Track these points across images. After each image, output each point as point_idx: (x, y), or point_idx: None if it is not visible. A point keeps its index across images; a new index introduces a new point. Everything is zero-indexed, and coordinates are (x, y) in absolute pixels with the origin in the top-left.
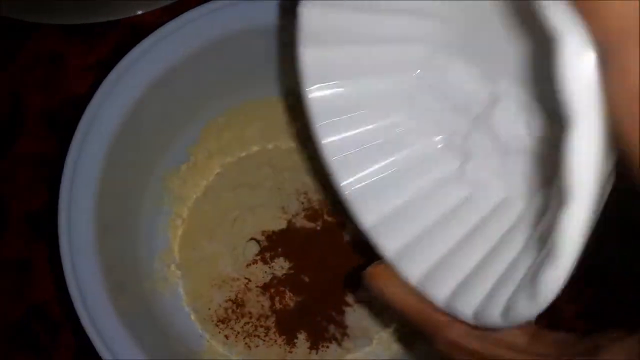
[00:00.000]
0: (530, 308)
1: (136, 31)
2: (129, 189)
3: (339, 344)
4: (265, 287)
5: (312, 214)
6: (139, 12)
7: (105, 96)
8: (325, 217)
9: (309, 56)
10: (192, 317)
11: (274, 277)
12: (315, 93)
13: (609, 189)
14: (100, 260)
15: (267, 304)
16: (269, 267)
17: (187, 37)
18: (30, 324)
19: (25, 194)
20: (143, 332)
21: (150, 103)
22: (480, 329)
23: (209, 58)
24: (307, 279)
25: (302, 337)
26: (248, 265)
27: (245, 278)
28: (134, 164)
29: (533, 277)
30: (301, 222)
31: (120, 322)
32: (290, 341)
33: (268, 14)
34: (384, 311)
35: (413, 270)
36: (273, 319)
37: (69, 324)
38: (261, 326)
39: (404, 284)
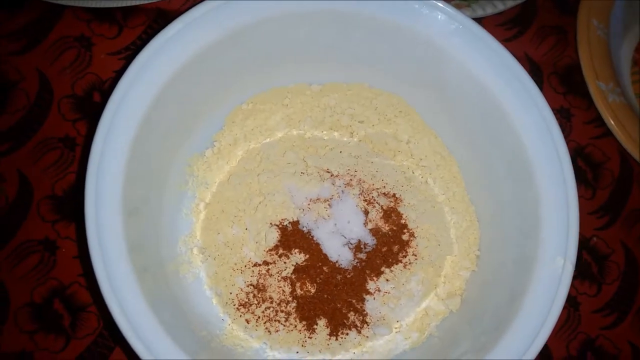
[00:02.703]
0: None
1: (163, 16)
2: (154, 173)
3: (359, 331)
4: (286, 274)
5: None
6: None
7: (132, 81)
8: None
9: None
10: (214, 300)
11: (296, 265)
12: None
13: None
14: (125, 242)
15: (288, 289)
16: (290, 254)
17: (214, 23)
18: (53, 305)
19: (52, 177)
20: (166, 314)
21: (176, 88)
22: None
23: (235, 44)
24: (326, 269)
25: (322, 323)
26: (269, 250)
27: (267, 263)
28: (159, 149)
29: None
30: None
31: (145, 303)
32: (311, 327)
33: (292, 1)
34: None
35: None
36: (294, 304)
37: (92, 306)
38: (282, 311)
39: None
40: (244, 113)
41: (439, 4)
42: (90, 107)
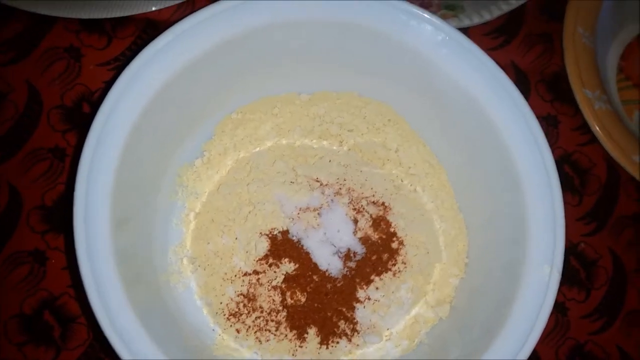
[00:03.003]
0: None
1: (152, 27)
2: (144, 184)
3: (349, 340)
4: (276, 283)
5: None
6: (154, 9)
7: (122, 91)
8: None
9: None
10: (205, 310)
11: (286, 274)
12: None
13: None
14: (115, 253)
15: (278, 298)
16: (280, 263)
17: (203, 34)
18: (43, 316)
19: (41, 188)
20: (156, 325)
21: (166, 99)
22: None
23: (224, 55)
24: (316, 278)
25: (312, 332)
26: (259, 260)
27: (257, 272)
28: (149, 159)
29: None
30: None
31: (134, 314)
32: (301, 336)
33: (282, 11)
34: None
35: None
36: (284, 313)
37: (82, 317)
38: (272, 320)
39: None
40: (233, 122)
41: (426, 15)
42: (80, 118)
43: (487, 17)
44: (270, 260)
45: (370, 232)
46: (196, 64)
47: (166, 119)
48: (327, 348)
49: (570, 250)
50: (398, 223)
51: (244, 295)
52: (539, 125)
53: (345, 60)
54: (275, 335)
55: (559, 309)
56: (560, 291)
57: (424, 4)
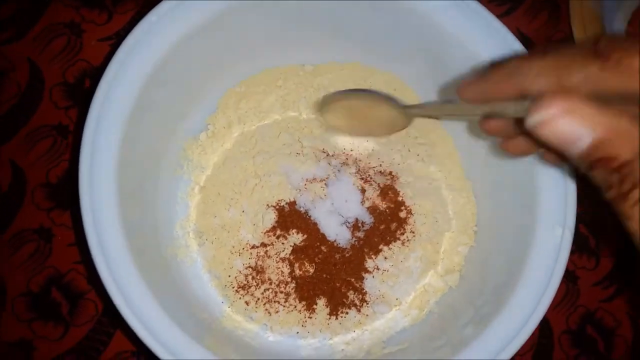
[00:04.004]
0: None
1: (153, 2)
2: (148, 158)
3: (358, 310)
4: (284, 255)
5: None
6: None
7: (121, 64)
8: None
9: None
10: (213, 283)
11: (294, 245)
12: None
13: None
14: (122, 227)
15: (286, 270)
16: (288, 235)
17: (203, 4)
18: (51, 293)
19: (45, 165)
20: (167, 297)
21: (167, 71)
22: None
23: (226, 24)
24: (325, 249)
25: (321, 302)
26: (266, 232)
27: (265, 245)
28: (153, 133)
29: None
30: None
31: (146, 288)
32: (310, 307)
33: None
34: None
35: None
36: (293, 285)
37: (89, 293)
38: (281, 292)
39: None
40: (237, 95)
41: None
42: (82, 94)
43: None
44: (278, 232)
45: (378, 201)
46: (196, 35)
47: (168, 92)
48: (337, 319)
49: (579, 218)
50: (406, 192)
51: (252, 268)
52: None
53: (350, 30)
54: (284, 306)
55: (570, 277)
56: (570, 259)
57: None
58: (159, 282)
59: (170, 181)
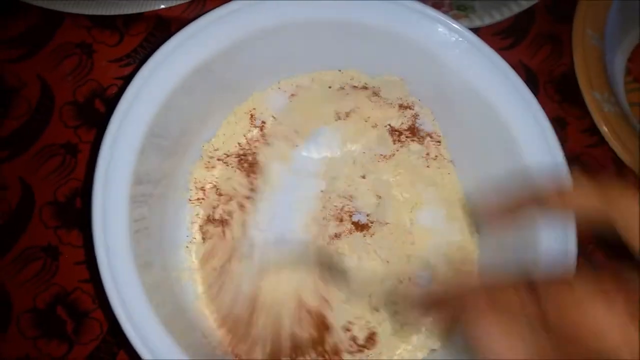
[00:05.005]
0: None
1: (162, 24)
2: (159, 182)
3: None
4: None
5: None
6: (162, 6)
7: (138, 91)
8: None
9: None
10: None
11: None
12: None
13: None
14: (132, 249)
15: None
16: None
17: (218, 34)
18: (56, 311)
19: (54, 183)
20: (171, 320)
21: (182, 97)
22: None
23: (238, 54)
24: None
25: None
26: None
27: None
28: (164, 157)
29: None
30: None
31: (151, 308)
32: None
33: (292, 12)
34: None
35: None
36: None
37: (94, 312)
38: None
39: None
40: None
41: (438, 16)
42: (92, 114)
43: (498, 17)
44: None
45: None
46: (211, 64)
47: (181, 118)
48: None
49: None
50: None
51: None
52: (550, 126)
53: (356, 61)
54: None
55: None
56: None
57: (436, 4)
58: (166, 305)
59: (177, 204)
